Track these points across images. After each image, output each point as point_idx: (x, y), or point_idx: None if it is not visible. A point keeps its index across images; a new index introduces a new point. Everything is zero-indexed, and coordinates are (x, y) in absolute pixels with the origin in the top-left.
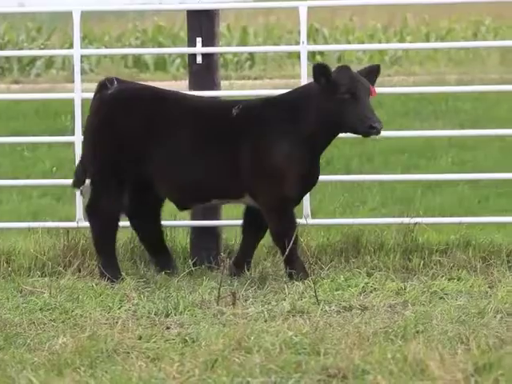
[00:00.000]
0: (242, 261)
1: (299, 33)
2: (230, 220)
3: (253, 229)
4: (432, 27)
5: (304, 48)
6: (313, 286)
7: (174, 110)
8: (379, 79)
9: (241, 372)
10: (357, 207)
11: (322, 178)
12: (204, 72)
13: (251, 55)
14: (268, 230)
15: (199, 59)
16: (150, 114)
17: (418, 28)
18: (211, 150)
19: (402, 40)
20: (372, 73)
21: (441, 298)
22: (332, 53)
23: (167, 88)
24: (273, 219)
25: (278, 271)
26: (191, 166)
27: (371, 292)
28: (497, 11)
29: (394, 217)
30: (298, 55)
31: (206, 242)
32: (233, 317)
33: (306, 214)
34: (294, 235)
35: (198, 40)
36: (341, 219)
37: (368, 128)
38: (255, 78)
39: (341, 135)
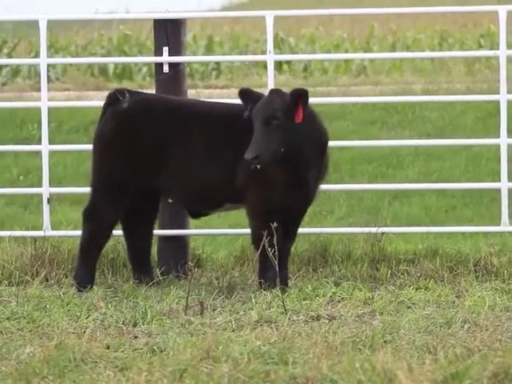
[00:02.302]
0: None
1: (266, 42)
2: (198, 229)
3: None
4: (398, 37)
5: (271, 57)
6: (280, 295)
7: (187, 118)
8: (345, 88)
9: (209, 382)
10: (324, 216)
11: None
12: (171, 81)
13: (218, 64)
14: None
15: (166, 68)
16: (164, 124)
17: (385, 38)
18: (225, 156)
19: (368, 50)
20: (298, 96)
21: (408, 307)
22: (298, 62)
23: None
24: (254, 225)
25: (245, 281)
26: (207, 172)
27: (339, 302)
28: (463, 21)
29: (361, 226)
30: (264, 64)
31: (173, 251)
32: (201, 326)
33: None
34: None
35: (165, 49)
36: (308, 228)
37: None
38: (222, 87)
39: None
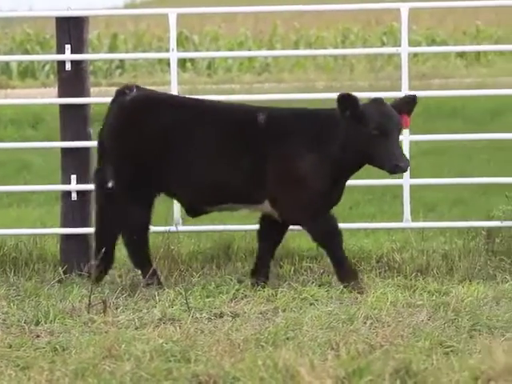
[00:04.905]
0: (260, 270)
1: (169, 40)
2: None
3: (268, 238)
4: (301, 34)
5: (174, 55)
6: (184, 293)
7: (192, 116)
8: (248, 86)
9: (111, 380)
10: (227, 214)
11: None
12: (73, 79)
13: (121, 62)
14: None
15: (68, 66)
16: (167, 120)
17: (287, 35)
18: (235, 155)
19: (271, 47)
20: (408, 103)
21: (311, 304)
22: (202, 60)
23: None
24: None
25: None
26: (211, 170)
27: (242, 299)
28: (366, 19)
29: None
30: (168, 62)
31: (76, 250)
32: (103, 325)
33: (177, 221)
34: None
35: (67, 47)
36: (211, 226)
37: (394, 167)
38: None
39: None
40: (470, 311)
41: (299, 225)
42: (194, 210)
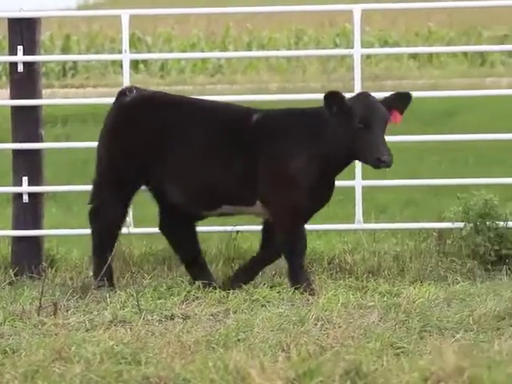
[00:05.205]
0: (241, 275)
1: (122, 41)
2: (52, 229)
3: (268, 249)
4: (254, 36)
5: (126, 56)
6: (135, 295)
7: (189, 116)
8: (200, 87)
9: (61, 382)
10: None
11: (143, 187)
12: (25, 81)
13: (74, 64)
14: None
15: (20, 68)
16: (165, 120)
17: (240, 37)
18: (228, 156)
19: (224, 49)
20: (401, 100)
21: (263, 305)
22: (155, 61)
23: None
24: (281, 230)
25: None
26: (207, 171)
27: (193, 300)
28: (319, 20)
29: (216, 225)
30: (120, 63)
31: (27, 252)
32: (54, 327)
33: (129, 223)
34: (302, 249)
35: (20, 48)
36: None
37: (377, 161)
38: (78, 87)
39: None
40: (420, 312)
41: (275, 223)
42: (190, 214)
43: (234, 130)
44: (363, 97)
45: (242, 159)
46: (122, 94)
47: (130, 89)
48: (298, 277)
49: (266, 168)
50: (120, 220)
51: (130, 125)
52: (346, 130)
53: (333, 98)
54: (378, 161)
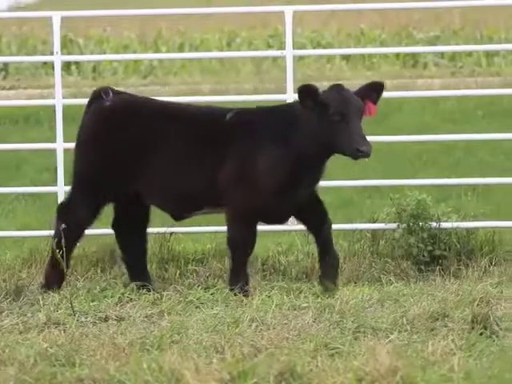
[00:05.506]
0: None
1: (53, 43)
2: None
3: (314, 229)
4: (186, 37)
5: (58, 58)
6: (69, 297)
7: (168, 120)
8: (132, 89)
9: None
10: None
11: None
12: None
13: (5, 65)
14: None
15: None
16: (144, 126)
17: (172, 38)
18: (204, 158)
19: (156, 50)
20: (374, 90)
21: (197, 307)
22: (87, 63)
23: None
24: (233, 225)
25: (33, 283)
26: (185, 175)
27: (127, 302)
28: (252, 22)
29: (150, 227)
30: (52, 65)
31: None
32: None
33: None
34: (249, 248)
35: None
36: (97, 230)
37: (355, 151)
38: (9, 88)
39: None
40: (354, 313)
41: (228, 218)
42: (178, 215)
43: (210, 132)
44: (337, 89)
45: (217, 160)
46: (97, 95)
47: (105, 91)
48: (239, 275)
49: (231, 166)
50: (85, 222)
51: (111, 129)
52: (321, 124)
53: (307, 91)
54: (357, 151)
